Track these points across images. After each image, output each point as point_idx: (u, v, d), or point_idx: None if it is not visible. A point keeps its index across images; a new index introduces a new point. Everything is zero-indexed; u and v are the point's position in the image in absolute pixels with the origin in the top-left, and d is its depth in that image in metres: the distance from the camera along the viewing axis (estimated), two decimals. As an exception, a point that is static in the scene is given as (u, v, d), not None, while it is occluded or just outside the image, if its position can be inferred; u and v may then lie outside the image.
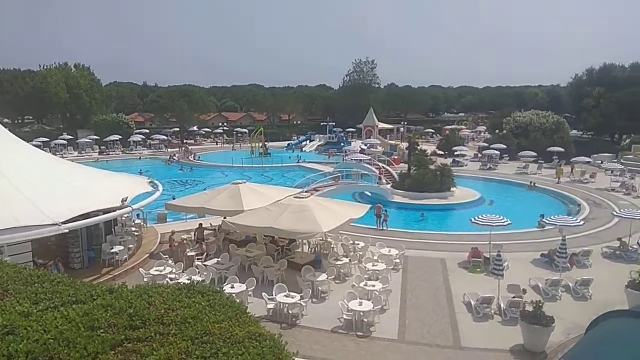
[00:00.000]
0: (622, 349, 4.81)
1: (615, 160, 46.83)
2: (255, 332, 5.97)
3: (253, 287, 17.06)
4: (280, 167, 51.27)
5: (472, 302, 16.26)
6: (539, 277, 18.53)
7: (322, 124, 77.00)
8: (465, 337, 14.56)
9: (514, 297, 15.93)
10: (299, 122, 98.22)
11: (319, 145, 66.21)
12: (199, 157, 58.23)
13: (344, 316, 15.25)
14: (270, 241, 22.49)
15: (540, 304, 14.11)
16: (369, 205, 23.77)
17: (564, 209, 32.44)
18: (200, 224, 23.68)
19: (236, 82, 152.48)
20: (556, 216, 23.87)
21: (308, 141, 69.78)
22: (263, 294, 16.25)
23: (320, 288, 17.50)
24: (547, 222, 23.41)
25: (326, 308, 16.50)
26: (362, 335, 14.60)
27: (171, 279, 17.61)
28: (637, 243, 22.32)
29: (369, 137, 64.66)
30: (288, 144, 68.57)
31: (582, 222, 24.51)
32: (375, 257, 20.48)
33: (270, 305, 15.85)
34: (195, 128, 79.43)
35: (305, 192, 27.48)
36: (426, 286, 18.56)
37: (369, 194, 36.44)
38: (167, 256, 20.22)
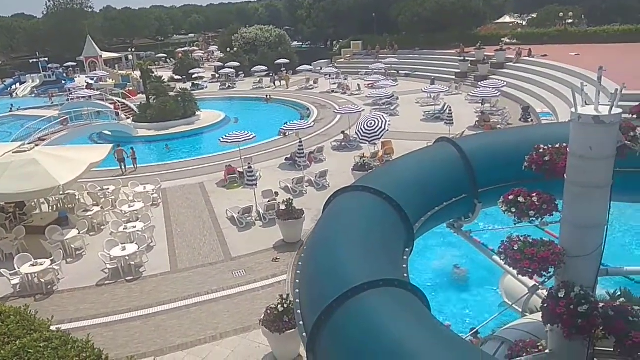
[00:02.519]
0: (348, 214, 5.87)
1: (331, 65, 53.37)
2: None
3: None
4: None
5: (235, 215, 17.20)
6: (286, 178, 20.62)
7: (31, 61, 64.81)
8: (234, 248, 15.50)
9: (269, 201, 17.47)
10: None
11: (33, 87, 56.34)
12: None
13: (108, 266, 14.31)
14: (-4, 210, 18.85)
15: (291, 201, 15.86)
16: (110, 145, 21.91)
17: (297, 114, 35.97)
18: None
19: None
20: (292, 122, 26.53)
21: (18, 84, 58.59)
22: (2, 270, 13.85)
23: (73, 246, 15.84)
24: (285, 129, 25.75)
25: (86, 264, 15.19)
26: (132, 279, 14.06)
27: None
28: (356, 133, 26.64)
29: (95, 70, 57.95)
30: (-9, 91, 56.28)
31: (312, 124, 27.88)
32: (131, 198, 19.42)
33: (16, 281, 13.71)
34: None
35: (29, 144, 23.43)
36: (190, 213, 18.71)
37: (109, 133, 33.36)
38: None
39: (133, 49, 78.85)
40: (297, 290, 5.20)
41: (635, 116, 4.89)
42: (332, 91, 42.50)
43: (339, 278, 4.66)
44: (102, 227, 17.85)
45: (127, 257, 14.23)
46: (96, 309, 12.70)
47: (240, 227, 16.91)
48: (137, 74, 48.71)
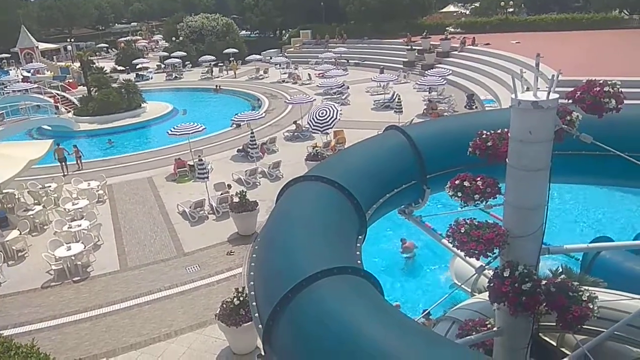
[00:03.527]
0: (301, 203, 5.89)
1: (281, 55, 52.92)
2: None
3: None
4: None
5: (187, 210, 16.85)
6: (239, 170, 20.36)
7: (-42, 53, 60.53)
8: (186, 243, 15.20)
9: (221, 194, 17.22)
10: None
11: (-39, 81, 52.54)
12: None
13: (53, 267, 13.70)
14: None
15: (244, 193, 15.71)
16: (51, 141, 20.86)
17: (248, 105, 35.51)
18: None
19: None
20: (243, 113, 26.17)
21: (-56, 78, 54.44)
22: None
23: (14, 247, 15.03)
24: (237, 120, 25.38)
25: (29, 266, 14.49)
26: (79, 279, 13.54)
27: None
28: (308, 123, 26.62)
29: (31, 62, 54.74)
30: None
31: (264, 114, 27.61)
32: (75, 195, 18.61)
33: (-50, 288, 12.89)
34: None
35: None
36: (139, 208, 18.15)
37: (49, 128, 31.68)
38: None
39: (72, 39, 74.80)
40: (252, 283, 5.18)
41: (571, 100, 5.13)
42: (283, 81, 42.21)
43: (294, 268, 4.67)
44: (45, 227, 17.03)
45: (73, 257, 13.66)
46: (42, 312, 12.16)
47: (193, 221, 16.59)
48: (77, 65, 46.41)
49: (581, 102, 4.95)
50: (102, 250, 15.18)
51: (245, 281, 12.26)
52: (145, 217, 17.34)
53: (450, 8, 69.01)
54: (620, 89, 4.98)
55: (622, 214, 15.77)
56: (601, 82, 4.97)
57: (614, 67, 25.61)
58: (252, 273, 5.30)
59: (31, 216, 16.82)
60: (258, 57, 51.08)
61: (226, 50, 52.83)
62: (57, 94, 37.92)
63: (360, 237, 5.76)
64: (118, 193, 19.74)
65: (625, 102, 5.08)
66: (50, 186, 19.53)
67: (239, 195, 15.58)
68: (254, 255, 5.60)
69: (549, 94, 4.81)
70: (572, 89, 5.14)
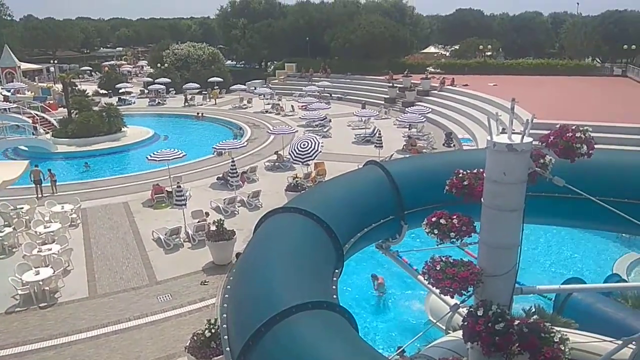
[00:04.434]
0: (279, 235, 5.87)
1: (265, 86, 53.52)
2: None
3: None
4: None
5: (162, 237, 16.54)
6: (218, 198, 20.20)
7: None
8: (159, 271, 14.86)
9: (199, 222, 16.99)
10: None
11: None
12: None
13: (19, 292, 13.20)
14: None
15: (222, 222, 15.54)
16: (27, 161, 20.45)
17: (230, 133, 35.56)
18: None
19: None
20: (225, 141, 26.21)
21: None
22: None
23: (-21, 270, 14.48)
24: (218, 147, 25.36)
25: (-7, 290, 13.91)
26: (46, 305, 13.06)
27: None
28: (289, 153, 26.75)
29: (12, 82, 54.06)
30: None
31: (246, 143, 27.67)
32: (47, 218, 18.14)
33: None
34: None
35: None
36: (112, 234, 17.76)
37: (26, 149, 31.10)
38: None
39: (55, 61, 74.46)
40: (225, 315, 5.08)
41: (544, 144, 5.31)
42: (266, 111, 42.52)
43: (268, 301, 4.62)
44: (14, 250, 16.49)
45: (40, 282, 13.19)
46: (4, 339, 11.64)
47: (168, 248, 16.28)
48: (59, 86, 46.06)
49: (554, 147, 5.13)
50: (71, 275, 14.72)
51: (218, 313, 12.03)
52: (118, 243, 16.95)
53: (431, 49, 71.29)
54: (591, 135, 5.18)
55: (595, 255, 16.07)
56: (573, 127, 5.16)
57: (585, 111, 26.63)
58: (225, 305, 5.22)
59: (0, 238, 16.30)
60: (242, 87, 51.51)
61: (211, 79, 53.19)
62: (37, 114, 37.41)
63: (337, 270, 5.75)
64: (92, 217, 19.32)
65: (596, 146, 5.28)
66: (22, 208, 19.02)
67: (217, 224, 15.41)
68: (228, 287, 5.52)
69: (523, 137, 4.98)
70: (546, 132, 5.33)
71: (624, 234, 15.30)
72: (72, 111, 34.47)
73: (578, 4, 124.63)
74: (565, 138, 5.06)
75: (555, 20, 76.63)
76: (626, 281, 12.36)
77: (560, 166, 5.31)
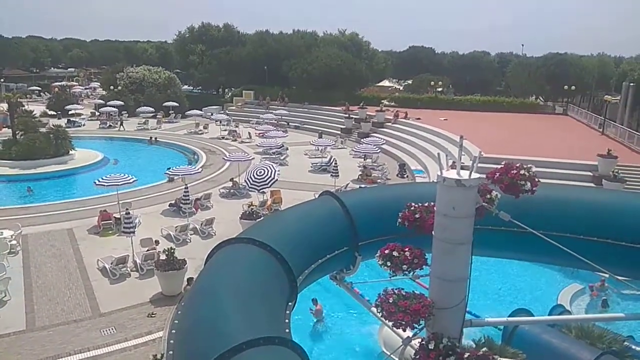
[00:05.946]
0: (231, 267, 5.72)
1: (222, 112, 53.22)
2: None
3: None
4: None
5: (107, 266, 15.82)
6: (169, 226, 19.63)
7: None
8: (103, 303, 14.14)
9: (148, 250, 16.41)
10: None
11: None
12: None
13: (-54, 326, 12.20)
14: None
15: (172, 250, 15.08)
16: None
17: (184, 159, 34.95)
18: None
19: None
20: (178, 167, 25.69)
21: None
22: None
23: None
24: (171, 173, 24.80)
25: None
26: (-24, 340, 12.11)
27: None
28: (245, 181, 26.51)
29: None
30: None
31: (200, 170, 27.24)
32: (-18, 245, 17.01)
33: None
34: None
35: None
36: (54, 262, 16.85)
37: (-39, 170, 29.33)
38: None
39: (2, 79, 71.41)
40: (171, 352, 4.87)
41: (490, 180, 5.52)
42: (223, 137, 42.17)
43: (218, 337, 4.47)
44: (-58, 279, 15.29)
45: (-30, 315, 12.27)
46: None
47: (113, 278, 15.56)
48: (4, 106, 43.99)
49: (500, 183, 5.34)
50: (8, 306, 13.81)
51: (165, 348, 11.52)
52: (60, 272, 16.07)
53: (386, 82, 73.39)
54: (535, 172, 5.44)
55: (541, 286, 16.65)
56: (518, 165, 5.41)
57: (529, 146, 28.02)
58: (171, 341, 5.00)
59: None
60: (199, 112, 51.05)
61: (166, 103, 52.43)
62: (-23, 134, 35.46)
63: (290, 303, 5.66)
64: (33, 244, 18.28)
65: (540, 180, 5.53)
66: (-46, 234, 17.78)
67: (167, 253, 14.93)
68: (176, 321, 5.31)
69: (470, 173, 5.16)
70: (493, 166, 5.55)
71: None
72: (17, 132, 32.93)
73: (523, 45, 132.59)
74: (510, 175, 5.29)
75: (501, 59, 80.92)
76: (570, 311, 12.85)
77: (505, 201, 5.52)
